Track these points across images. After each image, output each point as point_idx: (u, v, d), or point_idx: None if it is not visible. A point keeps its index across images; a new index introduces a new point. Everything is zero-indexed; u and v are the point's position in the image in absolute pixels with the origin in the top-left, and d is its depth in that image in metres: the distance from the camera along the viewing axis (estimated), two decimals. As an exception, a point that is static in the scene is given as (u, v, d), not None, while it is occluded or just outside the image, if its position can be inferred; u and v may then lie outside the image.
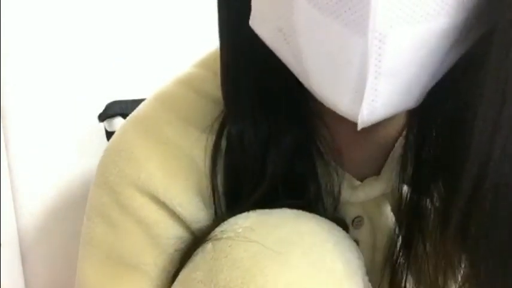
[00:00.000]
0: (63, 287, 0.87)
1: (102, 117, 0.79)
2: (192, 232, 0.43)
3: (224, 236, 0.38)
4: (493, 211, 0.33)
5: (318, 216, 0.41)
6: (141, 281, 0.41)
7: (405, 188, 0.45)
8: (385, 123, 0.37)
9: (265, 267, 0.35)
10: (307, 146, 0.43)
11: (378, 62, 0.30)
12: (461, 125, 0.35)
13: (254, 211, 0.40)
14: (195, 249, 0.40)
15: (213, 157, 0.42)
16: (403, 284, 0.47)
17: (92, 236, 0.43)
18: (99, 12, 0.84)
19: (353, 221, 0.46)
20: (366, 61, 0.30)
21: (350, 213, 0.46)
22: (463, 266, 0.41)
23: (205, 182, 0.42)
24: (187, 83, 0.46)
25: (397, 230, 0.47)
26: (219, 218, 0.42)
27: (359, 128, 0.33)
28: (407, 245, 0.46)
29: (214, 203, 0.42)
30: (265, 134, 0.41)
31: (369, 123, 0.33)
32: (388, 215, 0.48)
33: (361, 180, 0.46)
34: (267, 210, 0.41)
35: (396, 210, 0.47)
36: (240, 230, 0.38)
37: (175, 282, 0.40)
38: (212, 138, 0.42)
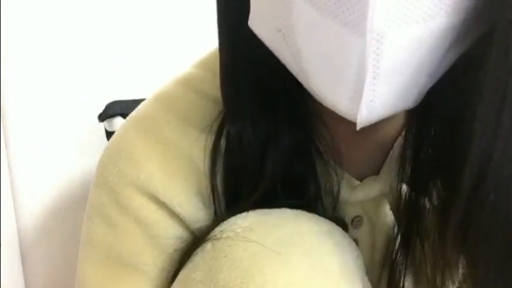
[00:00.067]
0: (63, 287, 0.87)
1: (102, 117, 0.79)
2: (191, 232, 0.43)
3: (223, 235, 0.38)
4: (493, 212, 0.33)
5: (317, 216, 0.41)
6: (140, 281, 0.41)
7: (404, 187, 0.46)
8: (384, 123, 0.37)
9: (264, 267, 0.35)
10: (307, 146, 0.43)
11: (376, 62, 0.30)
12: (461, 125, 0.35)
13: (253, 211, 0.40)
14: (194, 249, 0.40)
15: (212, 157, 0.42)
16: (401, 284, 0.47)
17: (92, 236, 0.43)
18: (99, 12, 0.84)
19: (352, 220, 0.47)
20: (364, 61, 0.30)
21: (349, 213, 0.46)
22: (461, 266, 0.41)
23: (205, 182, 0.42)
24: (186, 83, 0.46)
25: (396, 229, 0.47)
26: (218, 218, 0.42)
27: (358, 127, 0.33)
28: (405, 244, 0.46)
29: (214, 203, 0.43)
30: (264, 133, 0.41)
31: (368, 123, 0.34)
32: (388, 215, 0.48)
33: (361, 180, 0.46)
34: (266, 210, 0.41)
35: (395, 210, 0.47)
36: (240, 230, 0.38)
37: (174, 282, 0.40)
38: (211, 138, 0.42)
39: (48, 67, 0.82)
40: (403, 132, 0.45)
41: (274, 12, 0.34)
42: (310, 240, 0.38)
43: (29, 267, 0.85)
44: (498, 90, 0.31)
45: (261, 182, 0.41)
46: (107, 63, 0.85)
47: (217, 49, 0.42)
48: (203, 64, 0.47)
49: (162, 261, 0.42)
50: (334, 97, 0.34)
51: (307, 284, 0.36)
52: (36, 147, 0.83)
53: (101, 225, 0.43)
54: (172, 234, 0.42)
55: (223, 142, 0.42)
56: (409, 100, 0.34)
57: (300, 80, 0.36)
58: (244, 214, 0.40)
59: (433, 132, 0.42)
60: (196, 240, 0.41)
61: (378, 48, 0.30)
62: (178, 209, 0.42)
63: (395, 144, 0.46)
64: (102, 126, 0.80)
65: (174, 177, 0.42)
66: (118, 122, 0.78)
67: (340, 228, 0.41)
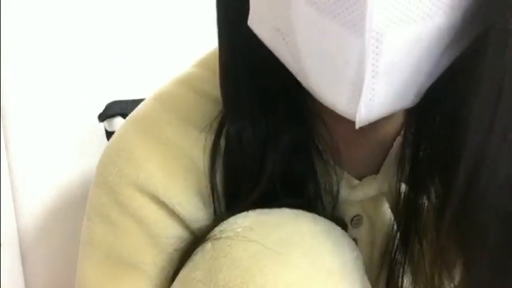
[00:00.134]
0: (63, 287, 0.87)
1: (102, 117, 0.79)
2: (191, 232, 0.43)
3: (223, 235, 0.38)
4: (487, 209, 0.33)
5: (317, 216, 0.41)
6: (140, 281, 0.41)
7: (403, 186, 0.46)
8: (383, 122, 0.37)
9: (264, 266, 0.35)
10: (306, 145, 0.43)
11: (375, 61, 0.30)
12: (458, 123, 0.35)
13: (253, 211, 0.40)
14: (194, 249, 0.40)
15: (212, 156, 0.42)
16: (400, 282, 0.47)
17: (92, 235, 0.43)
18: (99, 12, 0.84)
19: (352, 219, 0.47)
20: (363, 60, 0.30)
21: (349, 212, 0.46)
22: (459, 264, 0.41)
23: (205, 182, 0.42)
24: (186, 82, 0.46)
25: (395, 228, 0.47)
26: (218, 218, 0.42)
27: (357, 126, 0.33)
28: (404, 243, 0.46)
29: (213, 202, 0.43)
30: (263, 133, 0.41)
31: (367, 122, 0.34)
32: (387, 214, 0.48)
33: (360, 179, 0.46)
34: (266, 210, 0.41)
35: (394, 209, 0.47)
36: (239, 230, 0.38)
37: (174, 282, 0.40)
38: (211, 138, 0.42)
39: (48, 67, 0.82)
40: (402, 132, 0.45)
41: (274, 11, 0.34)
42: (310, 240, 0.38)
43: (29, 267, 0.85)
44: (493, 89, 0.31)
45: (261, 182, 0.41)
46: (107, 63, 0.86)
47: (217, 49, 0.42)
48: (203, 64, 0.47)
49: (162, 261, 0.42)
50: (333, 96, 0.34)
51: (308, 284, 0.36)
52: (36, 147, 0.83)
53: (101, 225, 0.43)
54: (172, 234, 0.42)
55: (222, 142, 0.42)
56: (408, 99, 0.34)
57: (299, 79, 0.36)
58: (244, 214, 0.40)
59: (432, 132, 0.42)
60: (196, 239, 0.41)
61: (377, 48, 0.30)
62: (178, 209, 0.42)
63: (394, 144, 0.46)
64: (102, 126, 0.80)
65: (174, 177, 0.42)
66: (118, 122, 0.78)
67: (339, 228, 0.41)
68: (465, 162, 0.33)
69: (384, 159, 0.47)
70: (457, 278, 0.42)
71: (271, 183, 0.41)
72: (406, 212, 0.46)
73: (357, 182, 0.46)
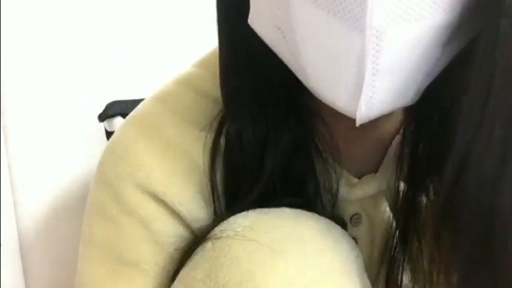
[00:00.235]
0: (63, 287, 0.86)
1: (102, 117, 0.79)
2: (192, 231, 0.43)
3: (223, 235, 0.38)
4: (473, 206, 0.33)
5: (316, 215, 0.41)
6: (141, 280, 0.41)
7: (402, 185, 0.46)
8: (382, 120, 0.38)
9: (264, 265, 0.36)
10: (305, 144, 0.43)
11: (376, 58, 0.31)
12: (451, 122, 0.35)
13: (253, 210, 0.40)
14: (195, 248, 0.40)
15: (212, 155, 0.42)
16: (399, 280, 0.47)
17: (92, 234, 0.43)
18: (99, 12, 0.84)
19: (351, 218, 0.47)
20: (364, 58, 0.31)
21: (348, 210, 0.46)
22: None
23: (205, 181, 0.42)
24: (186, 82, 0.46)
25: (394, 226, 0.47)
26: (218, 217, 0.42)
27: (357, 124, 0.34)
28: (403, 241, 0.46)
29: (214, 201, 0.43)
30: (263, 132, 0.41)
31: (367, 119, 0.34)
32: (386, 212, 0.48)
33: (359, 178, 0.46)
34: (266, 210, 0.41)
35: (393, 207, 0.47)
36: (239, 229, 0.38)
37: (175, 281, 0.40)
38: (211, 137, 0.43)
39: (48, 67, 0.82)
40: (401, 130, 0.45)
41: (274, 9, 0.34)
42: (310, 239, 0.38)
43: (29, 267, 0.85)
44: (483, 88, 0.31)
45: (260, 181, 0.41)
46: (107, 63, 0.85)
47: (217, 48, 0.42)
48: (203, 63, 0.47)
49: (162, 260, 0.42)
50: (334, 93, 0.34)
51: (308, 283, 0.36)
52: (36, 147, 0.83)
53: (101, 223, 0.43)
54: (172, 233, 0.42)
55: (222, 141, 0.42)
56: (408, 96, 0.35)
57: (299, 77, 0.36)
58: (244, 213, 0.40)
59: (430, 130, 0.42)
60: (196, 239, 0.41)
61: (377, 45, 0.30)
62: (179, 208, 0.42)
63: (393, 142, 0.46)
64: (102, 126, 0.80)
65: (174, 176, 0.42)
66: (118, 122, 0.78)
67: (339, 227, 0.41)
68: (452, 158, 0.33)
69: (383, 157, 0.47)
70: (455, 275, 0.42)
71: (271, 182, 0.41)
72: (405, 210, 0.46)
73: (356, 180, 0.46)
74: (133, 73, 0.88)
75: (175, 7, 0.88)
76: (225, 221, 0.40)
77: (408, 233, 0.46)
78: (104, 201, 0.43)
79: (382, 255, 0.48)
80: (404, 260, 0.47)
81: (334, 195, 0.44)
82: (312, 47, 0.33)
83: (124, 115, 0.77)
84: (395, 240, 0.47)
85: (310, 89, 0.36)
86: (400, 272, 0.47)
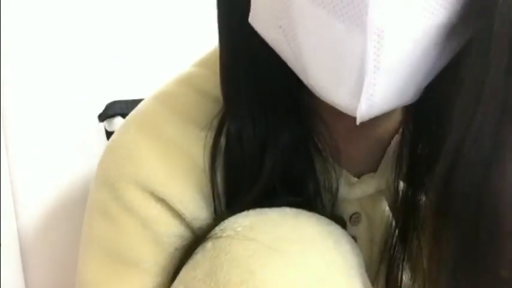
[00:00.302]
0: (63, 287, 0.86)
1: (102, 117, 0.79)
2: (192, 230, 0.43)
3: (224, 234, 0.38)
4: (463, 202, 0.33)
5: (316, 215, 0.41)
6: (141, 279, 0.41)
7: (401, 184, 0.46)
8: (382, 120, 0.38)
9: (264, 265, 0.36)
10: (305, 144, 0.43)
11: (377, 57, 0.31)
12: (445, 122, 0.35)
13: (253, 210, 0.41)
14: (195, 248, 0.40)
15: (212, 154, 0.42)
16: (399, 278, 0.47)
17: (93, 233, 0.43)
18: (99, 12, 0.84)
19: (350, 217, 0.47)
20: (365, 56, 0.31)
21: (347, 210, 0.46)
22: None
23: (205, 180, 0.42)
24: (187, 82, 0.46)
25: (393, 225, 0.47)
26: (218, 217, 0.42)
27: (358, 122, 0.34)
28: (403, 239, 0.46)
29: (214, 201, 0.43)
30: (264, 132, 0.41)
31: (368, 118, 0.34)
32: (385, 211, 0.48)
33: (358, 177, 0.46)
34: (266, 209, 0.41)
35: (392, 206, 0.47)
36: (240, 229, 0.38)
37: (175, 281, 0.40)
38: (211, 136, 0.43)
39: (48, 67, 0.82)
40: (401, 130, 0.45)
41: (275, 8, 0.34)
42: (310, 238, 0.38)
43: (29, 267, 0.85)
44: (476, 86, 0.31)
45: (261, 180, 0.41)
46: (107, 63, 0.85)
47: (218, 48, 0.42)
48: (203, 63, 0.47)
49: (163, 260, 0.42)
50: (334, 92, 0.34)
51: (308, 282, 0.36)
52: (36, 147, 0.83)
53: (102, 223, 0.43)
54: (173, 233, 0.42)
55: (223, 140, 0.43)
56: (408, 95, 0.35)
57: (300, 76, 0.36)
58: (244, 213, 0.40)
59: (429, 129, 0.42)
60: (197, 239, 0.41)
61: (378, 43, 0.30)
62: (179, 207, 0.42)
63: (392, 142, 0.46)
64: (102, 126, 0.80)
65: (174, 175, 0.42)
66: (118, 122, 0.78)
67: (339, 226, 0.42)
68: (444, 154, 0.33)
69: (382, 157, 0.47)
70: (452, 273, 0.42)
71: (271, 182, 0.41)
72: (404, 209, 0.46)
73: (355, 179, 0.46)
74: (133, 73, 0.88)
75: (175, 7, 0.88)
76: (225, 221, 0.40)
77: (408, 232, 0.46)
78: (104, 200, 0.43)
79: (382, 254, 0.48)
80: (404, 259, 0.47)
81: (334, 195, 0.44)
82: (313, 45, 0.33)
83: (124, 115, 0.77)
84: (394, 239, 0.47)
85: (310, 87, 0.36)
86: (399, 271, 0.47)
